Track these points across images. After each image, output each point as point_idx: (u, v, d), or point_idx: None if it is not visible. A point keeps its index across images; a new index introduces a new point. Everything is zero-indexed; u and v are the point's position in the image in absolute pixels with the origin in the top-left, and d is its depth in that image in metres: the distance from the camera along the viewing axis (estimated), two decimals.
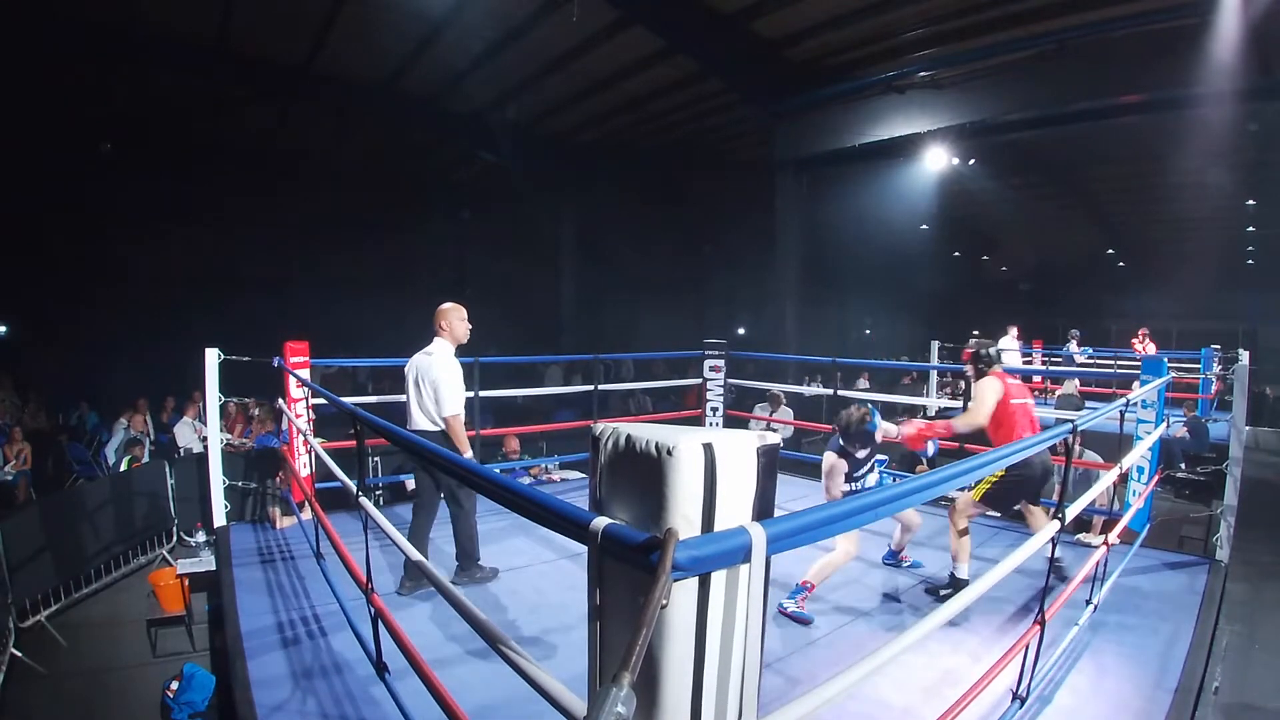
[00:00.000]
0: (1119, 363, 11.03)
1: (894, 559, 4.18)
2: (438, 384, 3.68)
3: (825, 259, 16.39)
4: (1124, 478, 3.96)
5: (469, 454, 3.77)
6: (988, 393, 3.75)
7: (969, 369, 3.96)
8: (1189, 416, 8.50)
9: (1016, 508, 3.97)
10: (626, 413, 10.11)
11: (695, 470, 1.17)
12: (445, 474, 3.50)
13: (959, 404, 6.85)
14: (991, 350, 3.91)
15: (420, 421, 3.76)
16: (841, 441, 3.59)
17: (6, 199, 10.86)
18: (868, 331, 24.09)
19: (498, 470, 4.50)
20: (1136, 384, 7.73)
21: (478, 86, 11.36)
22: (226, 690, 3.15)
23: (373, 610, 2.37)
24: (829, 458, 3.62)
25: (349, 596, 3.02)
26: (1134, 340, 11.79)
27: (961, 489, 3.67)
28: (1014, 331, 11.22)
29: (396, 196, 16.20)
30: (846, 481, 3.58)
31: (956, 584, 3.64)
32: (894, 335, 22.25)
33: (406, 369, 3.85)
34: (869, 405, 3.60)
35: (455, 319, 3.83)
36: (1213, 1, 6.97)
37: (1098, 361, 11.91)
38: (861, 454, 3.60)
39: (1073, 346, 11.83)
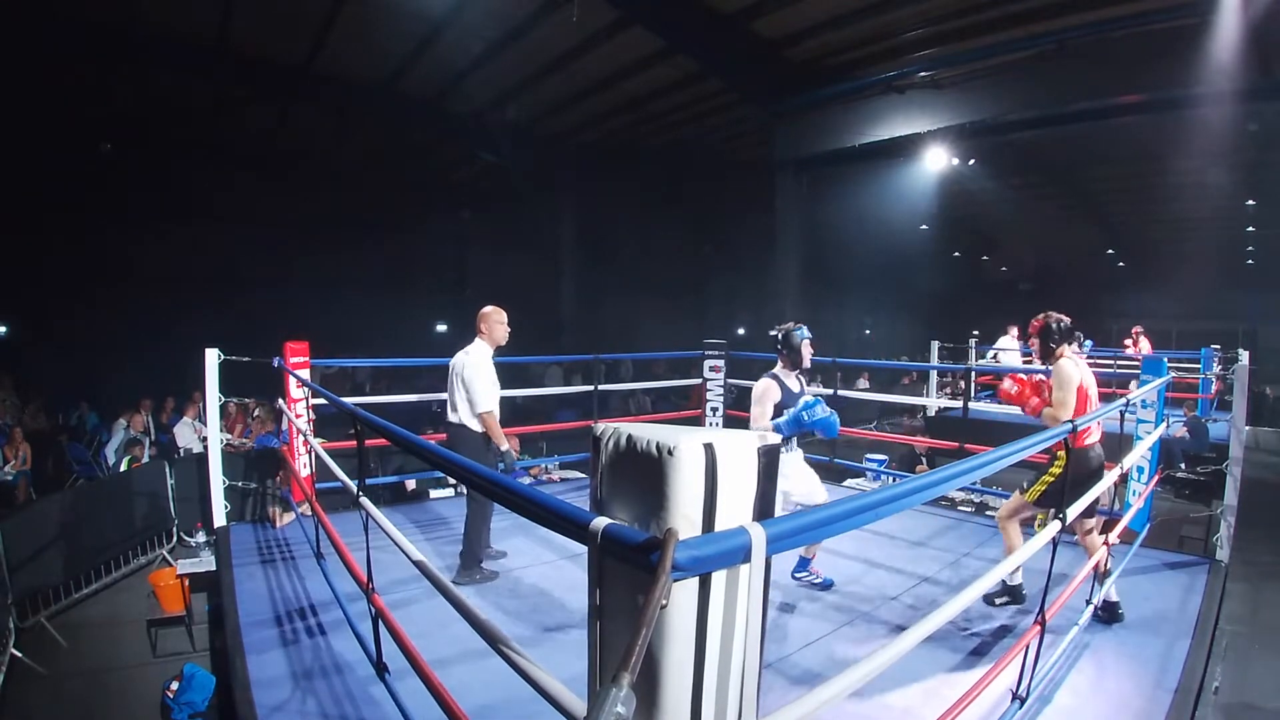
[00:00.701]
0: (1119, 363, 11.02)
1: (805, 568, 3.83)
2: (469, 383, 3.93)
3: (825, 259, 16.38)
4: (1124, 478, 3.94)
5: (506, 446, 3.94)
6: (1069, 380, 3.19)
7: (1034, 344, 3.37)
8: (1189, 416, 8.50)
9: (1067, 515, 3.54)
10: (626, 413, 10.11)
11: (696, 470, 1.17)
12: (448, 473, 3.52)
13: (959, 404, 6.85)
14: (1065, 323, 3.30)
15: (450, 415, 4.06)
16: (779, 359, 3.74)
17: (6, 199, 10.86)
18: (868, 331, 24.09)
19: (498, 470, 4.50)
20: (1134, 383, 7.76)
21: (478, 86, 11.36)
22: (226, 690, 3.15)
23: (373, 610, 2.37)
24: (763, 382, 3.66)
25: (349, 596, 3.02)
26: (1125, 340, 11.56)
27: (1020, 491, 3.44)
28: (1014, 331, 11.17)
29: (396, 196, 16.20)
30: (776, 414, 3.55)
31: (1010, 591, 3.49)
32: (894, 335, 22.25)
33: (450, 365, 4.13)
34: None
35: (495, 321, 4.06)
36: (1213, 1, 6.97)
37: (1098, 361, 11.89)
38: (795, 386, 3.70)
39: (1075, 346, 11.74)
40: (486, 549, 4.18)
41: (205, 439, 6.05)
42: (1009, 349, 10.66)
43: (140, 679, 4.18)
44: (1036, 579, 3.47)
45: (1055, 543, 2.28)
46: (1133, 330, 11.50)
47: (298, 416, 4.68)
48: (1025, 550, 2.34)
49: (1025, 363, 11.28)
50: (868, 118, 10.49)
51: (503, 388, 4.21)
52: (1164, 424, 4.63)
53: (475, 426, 3.95)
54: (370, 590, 2.40)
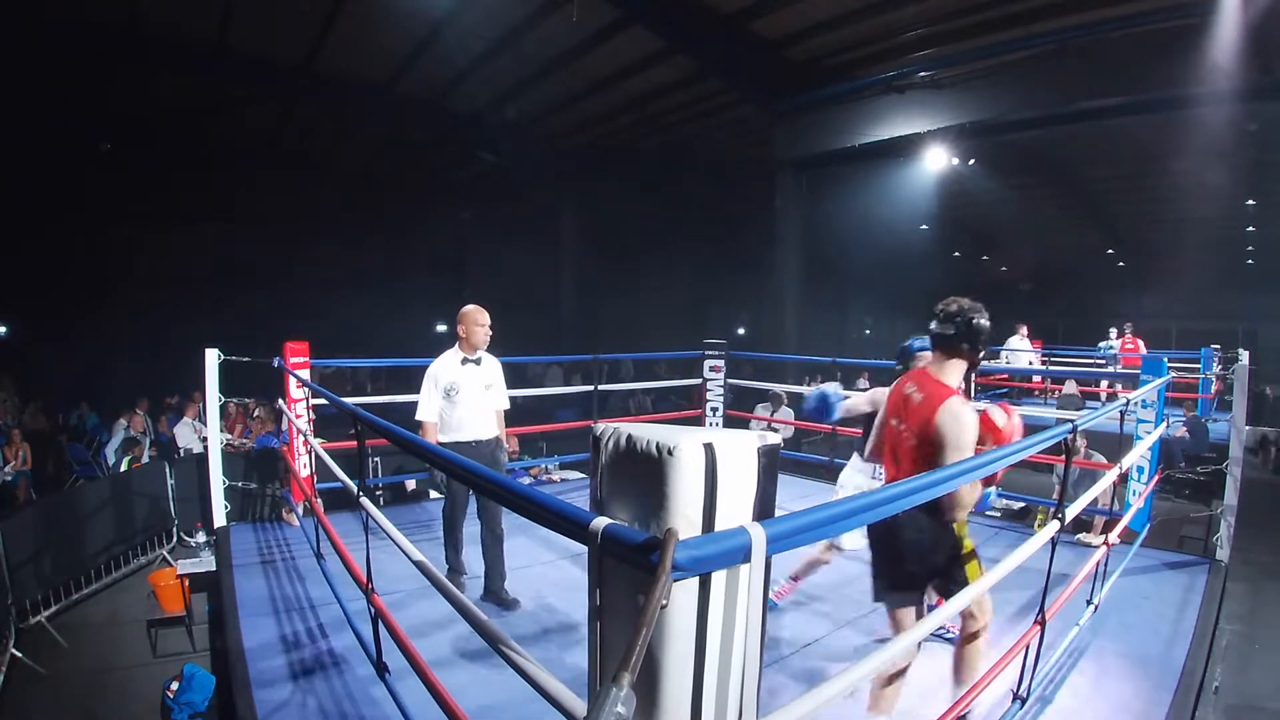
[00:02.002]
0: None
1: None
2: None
3: (825, 259, 16.39)
4: (1124, 478, 3.94)
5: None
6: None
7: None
8: (1189, 416, 8.50)
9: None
10: (626, 413, 10.11)
11: (696, 470, 1.17)
12: (446, 473, 3.48)
13: None
14: (986, 325, 2.36)
15: None
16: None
17: (7, 199, 10.86)
18: (868, 331, 24.09)
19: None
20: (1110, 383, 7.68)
21: (478, 86, 11.36)
22: (226, 690, 3.15)
23: (373, 610, 2.36)
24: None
25: (349, 597, 3.02)
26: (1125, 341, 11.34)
27: None
28: (1023, 330, 11.08)
29: (396, 197, 16.21)
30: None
31: None
32: (894, 335, 22.20)
33: None
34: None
35: (472, 323, 3.70)
36: (1212, 1, 6.96)
37: (1098, 361, 11.87)
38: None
39: (1114, 341, 11.54)
40: (500, 594, 3.64)
41: (205, 439, 6.05)
42: (1019, 349, 10.61)
43: (140, 679, 4.19)
44: (1036, 579, 3.47)
45: (1054, 543, 2.28)
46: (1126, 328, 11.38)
47: (298, 417, 4.68)
48: (1023, 550, 2.17)
49: (1042, 363, 11.27)
50: (867, 118, 10.48)
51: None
52: (1164, 424, 4.63)
53: (437, 435, 3.68)
54: (370, 590, 2.40)
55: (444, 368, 3.69)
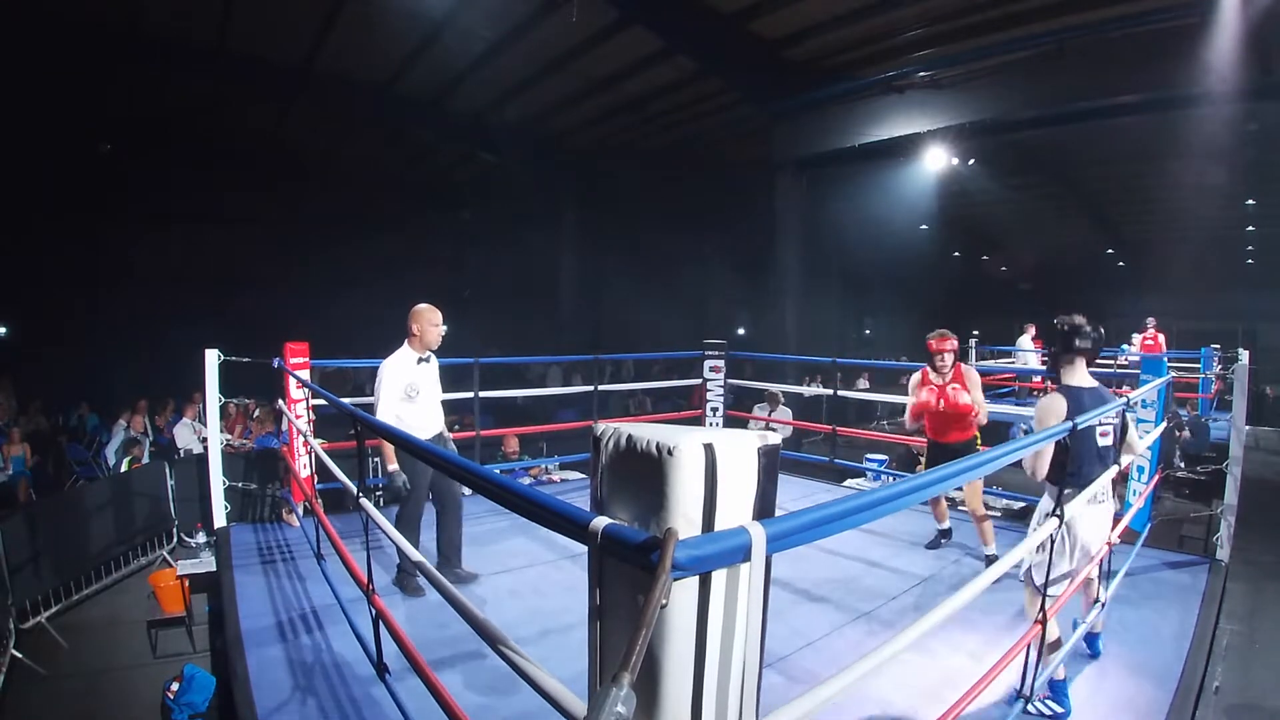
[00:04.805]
0: (1118, 362, 10.98)
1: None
2: (375, 390, 3.61)
3: (825, 259, 16.39)
4: (1124, 478, 3.94)
5: (393, 466, 3.49)
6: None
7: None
8: (1190, 416, 8.49)
9: None
10: (627, 413, 10.11)
11: (696, 470, 1.17)
12: (445, 473, 3.47)
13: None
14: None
15: None
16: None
17: (7, 199, 10.87)
18: (868, 331, 24.10)
19: (498, 470, 4.49)
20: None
21: (478, 87, 11.37)
22: (227, 691, 3.15)
23: (373, 610, 2.36)
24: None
25: (349, 597, 3.02)
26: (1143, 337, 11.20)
27: None
28: (1031, 331, 11.04)
29: (396, 196, 16.23)
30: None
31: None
32: (894, 335, 22.25)
33: None
34: None
35: (427, 322, 3.63)
36: (1213, 1, 6.97)
37: (1097, 361, 11.79)
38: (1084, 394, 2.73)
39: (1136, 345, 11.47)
40: (456, 569, 3.83)
41: (205, 439, 6.05)
42: (1026, 349, 10.60)
43: (140, 680, 4.18)
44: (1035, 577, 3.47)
45: (1053, 540, 2.28)
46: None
47: (298, 417, 4.68)
48: (1023, 550, 2.26)
49: (1041, 362, 11.23)
50: (867, 118, 10.48)
51: (502, 388, 4.15)
52: (1164, 424, 4.63)
53: None
54: (370, 591, 2.40)
55: (401, 368, 3.60)
